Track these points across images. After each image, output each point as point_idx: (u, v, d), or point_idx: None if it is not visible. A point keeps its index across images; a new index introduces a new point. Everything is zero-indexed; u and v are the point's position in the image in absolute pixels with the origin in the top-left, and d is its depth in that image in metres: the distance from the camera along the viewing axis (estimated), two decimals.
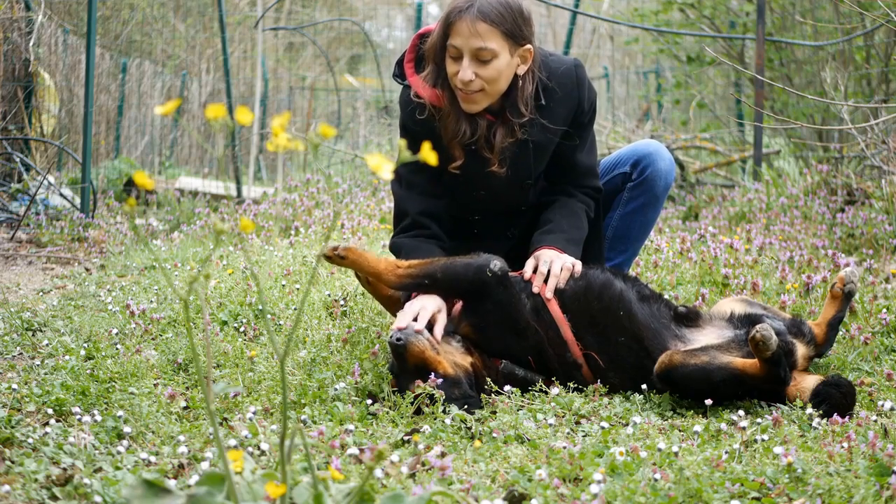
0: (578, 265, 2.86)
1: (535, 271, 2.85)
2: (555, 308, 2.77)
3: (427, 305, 2.69)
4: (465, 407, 2.52)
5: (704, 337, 2.73)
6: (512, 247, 3.14)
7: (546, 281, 2.81)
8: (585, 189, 3.12)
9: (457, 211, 3.11)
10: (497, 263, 2.74)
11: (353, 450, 2.09)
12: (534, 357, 2.75)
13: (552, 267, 2.83)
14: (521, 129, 2.92)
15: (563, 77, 2.98)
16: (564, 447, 2.19)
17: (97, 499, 1.89)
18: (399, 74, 3.02)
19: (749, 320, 2.72)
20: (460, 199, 3.08)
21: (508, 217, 3.16)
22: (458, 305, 2.85)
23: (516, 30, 2.82)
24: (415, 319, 2.64)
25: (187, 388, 2.79)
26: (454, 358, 2.66)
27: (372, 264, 2.73)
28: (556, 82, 2.96)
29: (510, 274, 2.82)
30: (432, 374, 2.54)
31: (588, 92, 3.02)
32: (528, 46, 2.86)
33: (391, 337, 2.57)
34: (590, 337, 2.74)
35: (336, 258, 2.72)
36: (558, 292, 2.80)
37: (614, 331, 2.73)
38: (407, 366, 2.58)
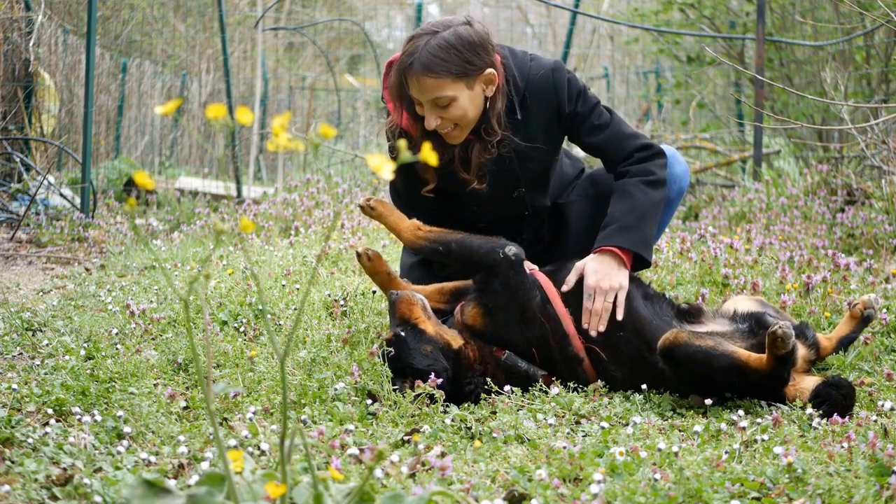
0: (622, 293, 2.76)
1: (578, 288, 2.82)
2: (557, 302, 2.78)
3: None
4: (430, 369, 2.61)
5: (710, 329, 2.74)
6: (526, 248, 3.15)
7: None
8: (632, 157, 2.98)
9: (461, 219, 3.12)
10: (513, 249, 2.78)
11: (353, 450, 2.09)
12: (538, 350, 2.76)
13: (595, 302, 2.76)
14: (497, 145, 2.90)
15: (540, 84, 2.95)
16: (564, 447, 2.19)
17: (97, 499, 1.89)
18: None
19: (752, 317, 2.74)
20: (456, 215, 3.09)
21: (516, 222, 3.16)
22: (459, 307, 2.88)
23: (467, 66, 2.77)
24: None
25: (187, 388, 2.79)
26: (442, 331, 2.74)
27: (396, 220, 2.90)
28: (532, 90, 2.94)
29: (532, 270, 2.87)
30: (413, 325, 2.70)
31: (568, 91, 2.96)
32: (489, 71, 2.82)
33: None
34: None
35: (367, 208, 2.90)
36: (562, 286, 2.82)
37: (617, 325, 2.74)
38: (395, 316, 2.75)
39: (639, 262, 2.88)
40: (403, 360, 2.65)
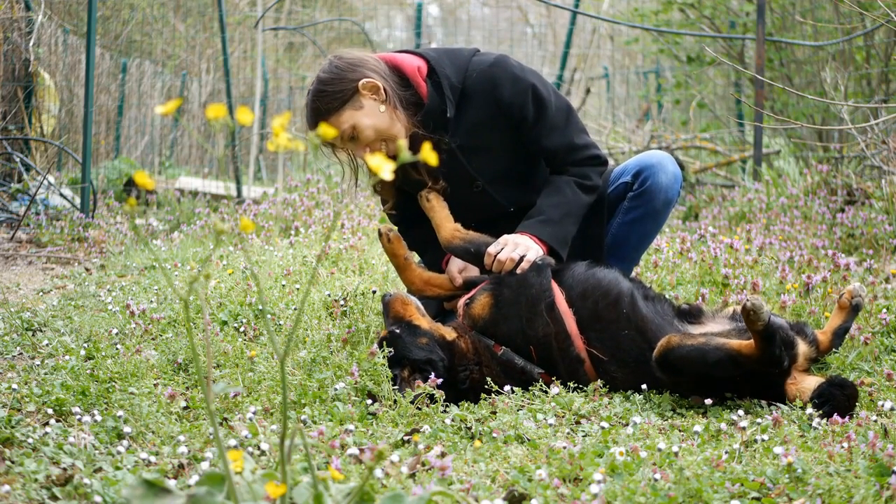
0: (530, 254, 2.90)
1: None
2: (561, 302, 2.79)
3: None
4: (429, 362, 2.69)
5: (706, 330, 2.75)
6: None
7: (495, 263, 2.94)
8: (579, 162, 3.10)
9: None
10: (544, 256, 2.91)
11: (353, 450, 2.09)
12: (537, 350, 2.77)
13: (503, 251, 2.92)
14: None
15: (478, 80, 3.01)
16: (564, 447, 2.19)
17: (97, 499, 1.89)
18: None
19: None
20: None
21: (508, 221, 3.16)
22: (463, 300, 2.92)
23: (338, 94, 2.89)
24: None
25: (187, 388, 2.79)
26: (435, 327, 2.84)
27: (442, 218, 3.10)
28: (470, 87, 3.01)
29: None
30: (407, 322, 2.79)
31: (511, 87, 2.99)
32: (363, 82, 2.89)
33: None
34: (594, 330, 2.76)
35: (425, 198, 3.11)
36: (567, 287, 2.82)
37: (618, 325, 2.75)
38: (388, 317, 2.86)
39: (553, 256, 3.00)
40: (401, 352, 2.72)
